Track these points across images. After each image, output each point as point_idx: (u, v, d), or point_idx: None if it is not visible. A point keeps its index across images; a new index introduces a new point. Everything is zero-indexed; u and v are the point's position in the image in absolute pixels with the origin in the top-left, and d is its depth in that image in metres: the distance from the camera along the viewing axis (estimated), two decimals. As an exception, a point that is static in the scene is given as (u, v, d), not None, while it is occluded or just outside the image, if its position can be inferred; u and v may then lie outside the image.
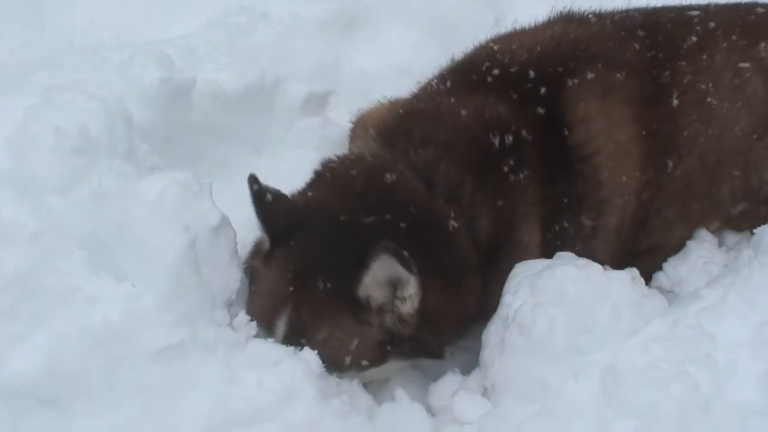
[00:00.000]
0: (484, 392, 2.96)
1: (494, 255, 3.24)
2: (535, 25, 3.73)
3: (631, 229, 3.44)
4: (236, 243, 3.12)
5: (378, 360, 3.02)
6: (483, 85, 3.44)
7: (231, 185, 3.31)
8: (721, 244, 3.49)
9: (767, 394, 2.63)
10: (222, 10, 4.40)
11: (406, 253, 2.81)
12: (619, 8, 3.78)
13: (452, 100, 3.42)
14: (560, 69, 3.40)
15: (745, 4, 3.82)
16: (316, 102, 4.06)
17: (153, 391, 2.70)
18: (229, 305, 3.03)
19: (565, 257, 3.10)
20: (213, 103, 3.70)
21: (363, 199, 3.10)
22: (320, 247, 3.03)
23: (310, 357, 2.89)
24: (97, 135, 3.03)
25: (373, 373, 3.08)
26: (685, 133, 3.45)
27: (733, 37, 3.57)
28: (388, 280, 2.89)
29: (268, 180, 3.36)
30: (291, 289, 2.97)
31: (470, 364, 3.15)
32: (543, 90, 3.36)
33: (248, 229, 3.22)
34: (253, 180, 3.06)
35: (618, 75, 3.42)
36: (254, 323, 2.98)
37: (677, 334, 2.83)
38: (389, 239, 2.84)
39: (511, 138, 3.26)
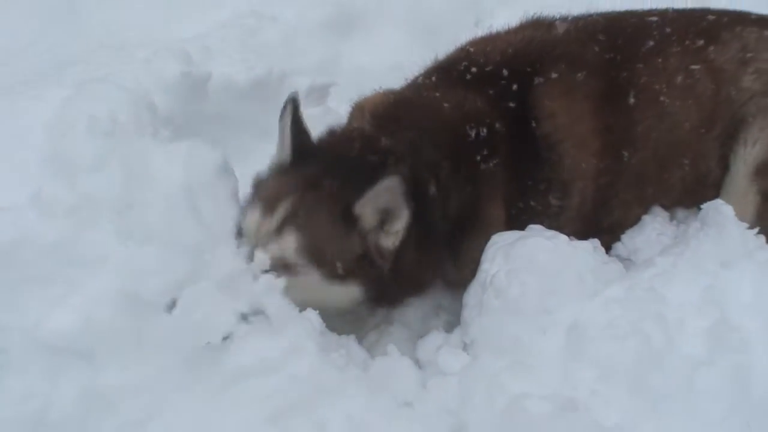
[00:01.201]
0: (465, 347, 2.95)
1: (459, 232, 3.23)
2: (508, 30, 3.71)
3: (592, 208, 3.44)
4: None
5: (348, 273, 3.01)
6: (462, 81, 3.43)
7: (241, 165, 3.30)
8: (672, 219, 3.50)
9: (711, 347, 2.64)
10: (235, 12, 4.39)
11: (405, 187, 2.88)
12: (585, 13, 3.75)
13: (436, 93, 3.41)
14: (529, 69, 3.40)
15: (699, 11, 3.80)
16: (318, 93, 4.07)
17: (175, 344, 2.69)
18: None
19: (535, 229, 3.09)
20: (226, 93, 3.71)
21: (365, 149, 3.14)
22: (332, 165, 3.07)
23: (313, 317, 2.88)
24: (124, 121, 3.04)
25: (337, 291, 3.05)
26: (639, 128, 3.45)
27: (687, 42, 3.56)
28: (384, 208, 2.94)
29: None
30: (299, 184, 3.02)
31: (452, 323, 3.15)
32: (515, 87, 3.36)
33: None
34: (293, 99, 3.13)
35: (579, 75, 3.42)
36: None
37: (633, 296, 2.83)
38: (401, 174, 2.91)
39: (485, 130, 3.26)
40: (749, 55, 3.54)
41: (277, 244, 2.97)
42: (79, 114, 2.97)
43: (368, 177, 2.95)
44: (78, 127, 2.94)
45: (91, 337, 2.63)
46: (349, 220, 2.98)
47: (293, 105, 3.12)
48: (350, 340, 3.01)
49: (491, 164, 3.26)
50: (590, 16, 3.75)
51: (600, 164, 3.40)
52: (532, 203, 3.33)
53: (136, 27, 4.39)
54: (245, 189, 3.22)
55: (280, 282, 2.87)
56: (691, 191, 3.51)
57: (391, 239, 3.00)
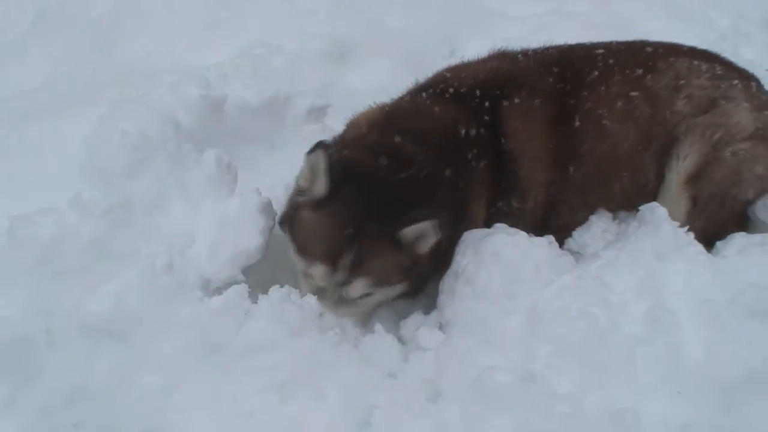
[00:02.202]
0: (440, 327, 2.96)
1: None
2: (478, 59, 3.72)
3: (544, 212, 3.45)
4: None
5: (401, 279, 3.05)
6: (444, 97, 3.43)
7: (253, 174, 3.32)
8: (615, 218, 3.49)
9: (648, 327, 2.66)
10: (247, 44, 4.38)
11: (438, 219, 2.89)
12: (542, 46, 3.78)
13: (427, 102, 3.43)
14: (498, 92, 3.41)
15: (639, 43, 3.82)
16: (317, 113, 4.06)
17: (195, 323, 2.73)
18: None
19: (500, 227, 3.09)
20: (240, 112, 3.69)
21: (387, 158, 3.08)
22: (370, 198, 2.98)
23: (312, 302, 2.91)
24: (152, 136, 3.04)
25: (399, 289, 3.10)
26: (584, 147, 3.47)
27: (627, 71, 3.57)
28: (421, 233, 2.93)
29: (281, 169, 3.39)
30: (350, 231, 2.93)
31: (430, 305, 3.14)
32: (487, 104, 3.37)
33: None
34: (321, 144, 3.01)
35: (536, 101, 3.44)
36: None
37: (582, 283, 2.85)
38: (432, 205, 2.95)
39: (474, 132, 3.27)
40: (681, 82, 3.55)
41: (350, 289, 2.99)
42: (113, 129, 2.97)
43: (405, 199, 2.97)
44: (112, 141, 2.94)
45: (122, 319, 2.67)
46: (396, 245, 2.96)
47: (319, 147, 3.01)
48: (344, 321, 3.00)
49: (480, 164, 3.27)
50: (546, 49, 3.77)
51: (550, 176, 3.41)
52: (500, 204, 3.33)
53: (164, 56, 4.37)
54: (250, 186, 3.22)
55: None
56: (631, 199, 3.50)
57: (424, 247, 2.98)
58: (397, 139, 3.18)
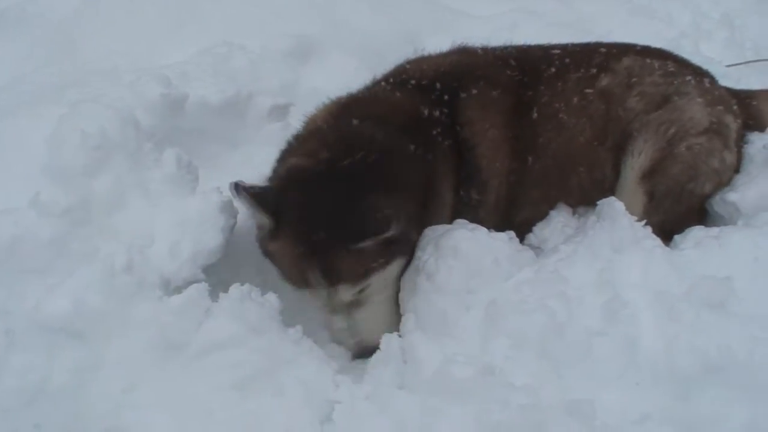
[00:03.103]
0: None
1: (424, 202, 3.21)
2: (438, 53, 3.77)
3: (506, 205, 3.47)
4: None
5: (388, 257, 2.99)
6: (405, 87, 3.46)
7: (215, 174, 3.31)
8: (574, 213, 3.52)
9: (605, 320, 2.68)
10: (209, 42, 4.36)
11: (384, 216, 2.84)
12: (501, 45, 3.83)
13: (388, 89, 3.46)
14: (455, 84, 3.44)
15: (594, 45, 3.88)
16: (279, 111, 4.05)
17: (154, 322, 2.71)
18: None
19: (460, 223, 3.12)
20: (201, 111, 3.68)
21: (332, 146, 3.06)
22: (313, 208, 2.95)
23: (272, 299, 2.91)
24: (112, 136, 3.02)
25: (394, 268, 3.05)
26: (541, 139, 3.50)
27: (582, 70, 3.62)
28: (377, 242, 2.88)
29: (243, 168, 3.38)
30: (305, 252, 2.91)
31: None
32: (446, 97, 3.40)
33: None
34: (236, 185, 2.94)
35: (494, 92, 3.47)
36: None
37: (541, 277, 2.87)
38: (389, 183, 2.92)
39: (436, 113, 3.31)
40: (634, 80, 3.59)
41: (340, 295, 2.98)
42: (73, 129, 2.95)
43: (356, 190, 2.91)
44: (72, 141, 2.92)
45: (82, 319, 2.64)
46: (354, 248, 2.90)
47: (235, 188, 2.95)
48: (304, 317, 3.02)
49: (445, 143, 3.29)
50: (505, 47, 3.81)
51: (509, 165, 3.44)
52: (462, 194, 3.35)
53: (125, 56, 4.35)
54: (211, 185, 3.20)
55: None
56: (589, 194, 3.52)
57: (391, 233, 2.91)
58: (355, 122, 3.18)
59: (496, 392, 2.52)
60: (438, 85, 3.44)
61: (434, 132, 3.28)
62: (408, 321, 2.87)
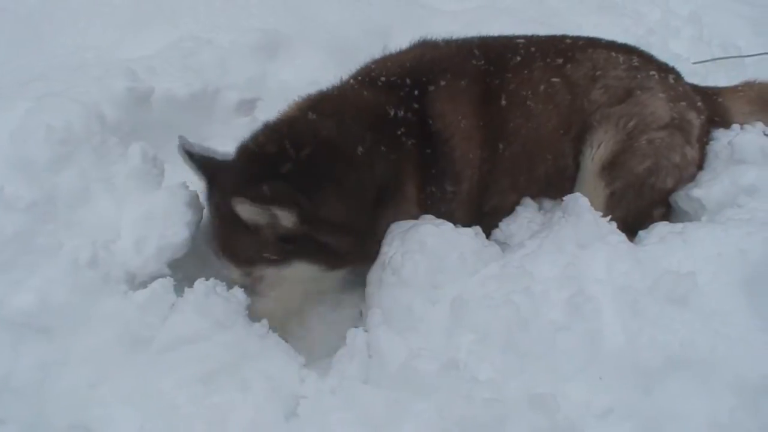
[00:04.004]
0: (368, 316, 2.97)
1: (384, 201, 3.24)
2: (400, 50, 3.77)
3: (478, 194, 3.49)
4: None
5: (282, 256, 3.02)
6: (375, 85, 3.48)
7: (181, 167, 3.30)
8: (540, 208, 3.54)
9: (569, 314, 2.71)
10: (177, 36, 4.36)
11: (257, 200, 2.85)
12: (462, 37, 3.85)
13: (356, 87, 3.49)
14: (424, 78, 3.45)
15: (559, 36, 3.89)
16: (247, 106, 4.06)
17: (119, 317, 2.72)
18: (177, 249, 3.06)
19: (426, 218, 3.14)
20: (167, 106, 3.68)
21: (276, 136, 3.15)
22: (225, 181, 3.08)
23: (239, 294, 2.93)
24: (78, 130, 3.03)
25: (294, 271, 3.06)
26: (510, 125, 3.51)
27: (548, 59, 3.64)
28: (261, 215, 2.91)
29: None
30: (212, 217, 3.14)
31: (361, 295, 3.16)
32: (416, 92, 3.41)
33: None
34: (181, 143, 3.16)
35: (462, 82, 3.49)
36: None
37: (506, 272, 2.90)
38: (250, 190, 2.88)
39: (402, 112, 3.31)
40: (598, 72, 3.63)
41: (230, 272, 3.10)
42: (39, 123, 2.95)
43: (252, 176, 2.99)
44: (38, 135, 2.93)
45: (47, 314, 2.65)
46: (248, 227, 2.97)
47: (179, 146, 3.17)
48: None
49: (410, 143, 3.30)
50: (466, 38, 3.83)
51: (482, 154, 3.46)
52: (433, 189, 3.36)
53: (91, 49, 4.34)
54: (177, 180, 3.23)
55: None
56: (554, 183, 3.58)
57: (285, 221, 2.94)
58: (311, 116, 3.23)
59: (460, 386, 2.54)
60: (408, 81, 3.45)
61: (400, 130, 3.29)
62: (373, 316, 2.88)
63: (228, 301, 2.84)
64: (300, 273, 3.07)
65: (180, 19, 4.72)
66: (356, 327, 2.93)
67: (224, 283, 2.95)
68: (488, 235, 3.37)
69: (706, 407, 2.53)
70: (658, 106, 3.57)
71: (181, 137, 3.18)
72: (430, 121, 3.37)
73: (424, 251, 2.93)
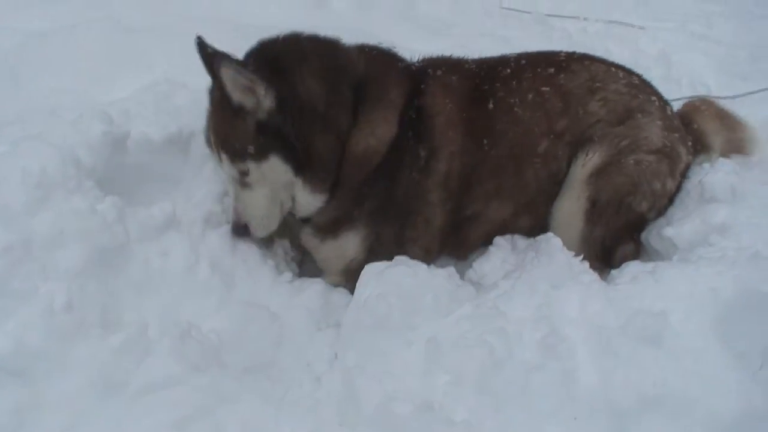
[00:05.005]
0: (342, 358, 2.97)
1: (363, 116, 3.49)
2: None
3: (458, 188, 3.60)
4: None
5: (261, 150, 3.31)
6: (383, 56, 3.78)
7: (155, 209, 3.31)
8: (513, 248, 3.57)
9: (543, 354, 2.71)
10: (152, 80, 4.35)
11: (241, 68, 3.20)
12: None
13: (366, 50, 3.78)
14: (421, 64, 3.80)
15: (553, 52, 4.01)
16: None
17: (94, 361, 2.72)
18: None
19: (401, 260, 3.16)
20: (143, 149, 3.67)
21: (275, 45, 3.49)
22: (229, 71, 3.24)
23: (213, 337, 2.94)
24: (53, 174, 3.03)
25: (271, 165, 3.34)
26: (497, 126, 3.64)
27: (539, 70, 3.77)
28: (243, 88, 3.20)
29: (186, 204, 3.39)
30: (210, 107, 3.47)
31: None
32: (412, 70, 3.74)
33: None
34: (199, 40, 3.39)
35: (454, 77, 3.71)
36: None
37: (480, 313, 2.91)
38: (234, 60, 3.24)
39: (404, 70, 3.68)
40: (597, 84, 3.73)
41: (225, 166, 3.46)
42: (14, 167, 2.97)
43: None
44: (13, 179, 2.94)
45: (22, 357, 2.64)
46: (236, 110, 3.27)
47: (197, 42, 3.42)
48: (247, 355, 3.02)
49: (403, 85, 3.60)
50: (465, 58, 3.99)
51: (465, 142, 3.60)
52: (409, 137, 3.53)
53: (67, 93, 4.33)
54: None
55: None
56: (544, 189, 3.69)
57: (267, 101, 3.24)
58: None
59: (435, 428, 2.54)
60: (412, 64, 3.78)
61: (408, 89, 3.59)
62: (349, 357, 2.88)
63: (202, 344, 2.83)
64: (276, 170, 3.35)
65: (155, 63, 4.72)
66: (331, 369, 2.93)
67: (198, 325, 2.95)
68: (467, 241, 3.64)
69: (679, 446, 2.53)
70: (653, 131, 3.68)
71: (199, 37, 3.40)
72: (419, 99, 3.59)
73: (399, 292, 2.95)
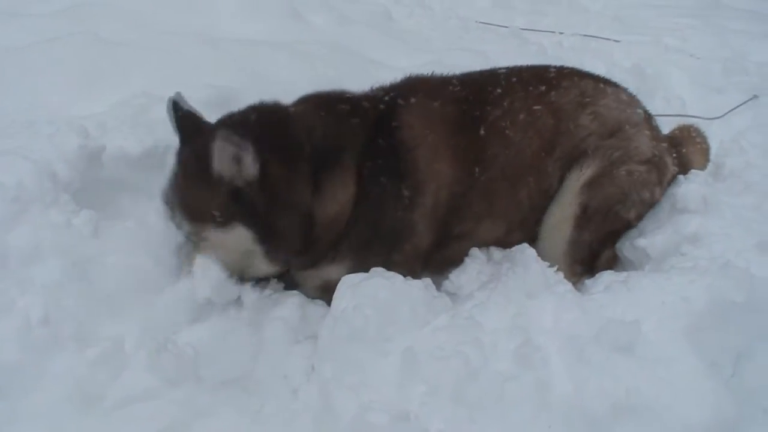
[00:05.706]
0: (319, 370, 2.97)
1: (322, 184, 3.38)
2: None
3: (447, 214, 3.56)
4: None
5: (226, 218, 3.21)
6: (349, 99, 3.68)
7: (131, 221, 3.32)
8: (489, 260, 3.59)
9: (518, 364, 2.72)
10: (129, 94, 4.36)
11: (236, 137, 3.08)
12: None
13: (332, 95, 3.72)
14: (393, 94, 3.69)
15: (542, 66, 4.02)
16: (199, 162, 4.07)
17: (70, 375, 2.71)
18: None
19: (377, 272, 3.15)
20: (119, 162, 3.68)
21: (252, 113, 3.49)
22: (195, 142, 3.32)
23: (188, 350, 2.92)
24: (30, 187, 3.05)
25: (235, 236, 3.25)
26: (488, 152, 3.61)
27: (530, 88, 3.75)
28: (232, 158, 3.11)
29: (161, 220, 3.38)
30: (178, 173, 3.32)
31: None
32: (387, 105, 3.63)
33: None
34: (172, 99, 3.42)
35: (435, 103, 3.64)
36: None
37: (456, 323, 2.91)
38: (229, 129, 3.15)
39: (367, 115, 3.57)
40: (587, 99, 3.75)
41: (181, 226, 3.32)
42: (-10, 182, 2.97)
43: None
44: (-12, 193, 2.94)
45: (-2, 373, 2.63)
46: (212, 180, 3.16)
47: (169, 102, 3.44)
48: (223, 368, 3.01)
49: (357, 125, 3.50)
50: (451, 75, 3.95)
51: (453, 172, 3.55)
52: (383, 180, 3.46)
53: (43, 107, 4.32)
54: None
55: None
56: (537, 205, 3.70)
57: (249, 171, 3.15)
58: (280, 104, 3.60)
59: (410, 439, 2.55)
60: (381, 96, 3.69)
61: (351, 121, 3.51)
62: (325, 370, 2.88)
63: (179, 358, 2.82)
64: (238, 239, 3.25)
65: (131, 76, 4.72)
66: (308, 381, 2.93)
67: (174, 338, 2.94)
68: (457, 257, 3.58)
69: (652, 453, 2.55)
70: (643, 142, 3.71)
71: (177, 94, 3.44)
72: (396, 129, 3.53)
73: (375, 304, 2.94)
